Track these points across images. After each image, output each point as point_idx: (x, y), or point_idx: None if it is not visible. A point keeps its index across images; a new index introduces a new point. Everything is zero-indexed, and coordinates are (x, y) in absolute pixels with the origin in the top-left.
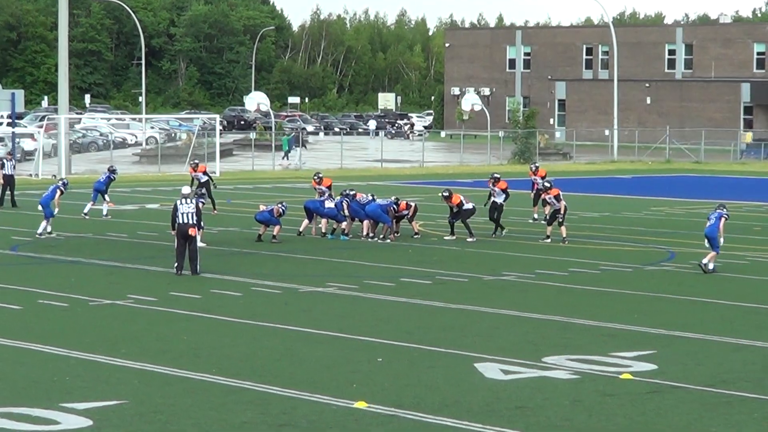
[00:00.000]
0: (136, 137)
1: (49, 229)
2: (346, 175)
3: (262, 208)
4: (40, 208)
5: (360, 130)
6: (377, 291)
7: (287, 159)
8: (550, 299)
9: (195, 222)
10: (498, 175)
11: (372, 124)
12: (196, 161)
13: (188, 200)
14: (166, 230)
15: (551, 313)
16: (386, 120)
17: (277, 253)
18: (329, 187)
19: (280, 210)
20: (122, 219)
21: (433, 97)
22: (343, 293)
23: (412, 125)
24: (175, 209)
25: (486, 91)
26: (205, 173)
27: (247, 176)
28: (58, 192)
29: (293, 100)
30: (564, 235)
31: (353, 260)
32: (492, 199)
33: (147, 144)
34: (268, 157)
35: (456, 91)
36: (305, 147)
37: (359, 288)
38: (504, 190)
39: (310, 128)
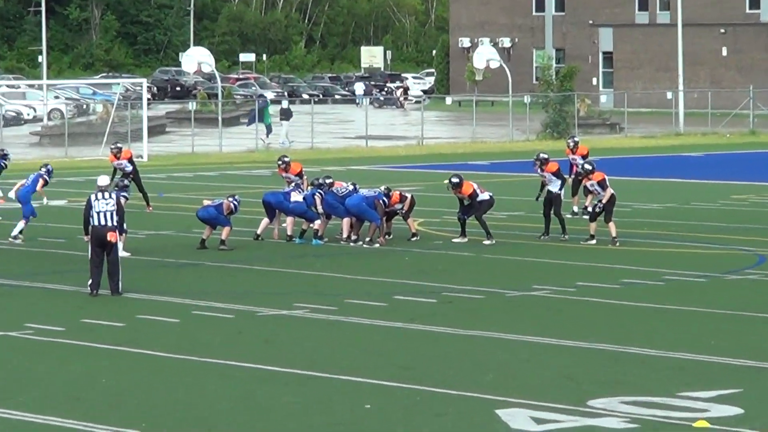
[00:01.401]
0: (35, 111)
1: (18, 230)
2: (318, 157)
3: (206, 203)
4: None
5: (337, 96)
6: (363, 313)
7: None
8: (597, 321)
9: (115, 224)
10: (545, 155)
11: (359, 88)
12: (119, 145)
13: (106, 195)
14: (76, 235)
15: (598, 340)
16: (372, 83)
17: (228, 264)
18: (299, 175)
19: (232, 206)
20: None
21: (434, 52)
22: (316, 317)
23: (406, 90)
24: (89, 207)
25: (506, 42)
26: (130, 161)
27: (185, 161)
28: (41, 181)
29: (247, 57)
30: (613, 235)
31: (330, 272)
32: (546, 188)
33: (50, 119)
34: (213, 134)
35: (465, 42)
36: (287, 118)
37: (338, 309)
38: (557, 174)
39: (269, 95)
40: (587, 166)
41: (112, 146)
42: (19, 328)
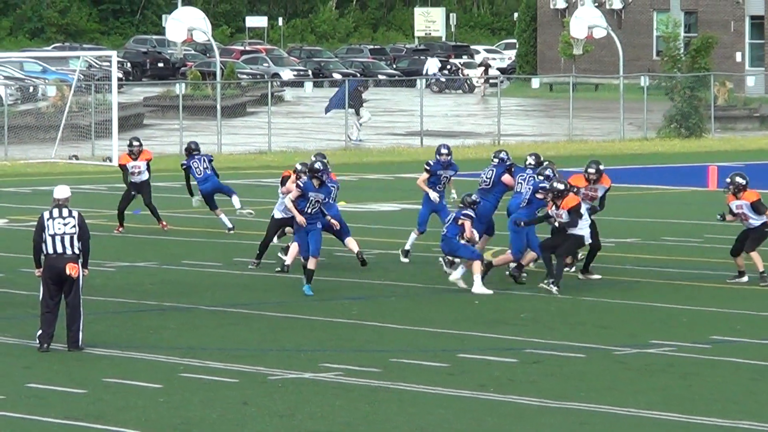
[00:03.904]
0: None
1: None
2: (355, 161)
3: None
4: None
5: (381, 76)
6: (416, 377)
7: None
8: (739, 390)
9: (77, 252)
10: (743, 180)
11: (432, 66)
12: (139, 142)
13: (65, 213)
14: (19, 267)
15: (741, 416)
16: (429, 56)
17: (229, 308)
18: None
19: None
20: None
21: (516, 16)
22: (352, 382)
23: (488, 68)
24: (41, 229)
25: (616, 2)
26: (149, 165)
27: (171, 165)
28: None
29: (256, 22)
30: (761, 269)
31: (371, 320)
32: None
33: None
34: (209, 128)
35: (560, 2)
36: (359, 114)
37: (382, 372)
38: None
39: (286, 74)
40: (739, 180)
41: (134, 143)
42: None
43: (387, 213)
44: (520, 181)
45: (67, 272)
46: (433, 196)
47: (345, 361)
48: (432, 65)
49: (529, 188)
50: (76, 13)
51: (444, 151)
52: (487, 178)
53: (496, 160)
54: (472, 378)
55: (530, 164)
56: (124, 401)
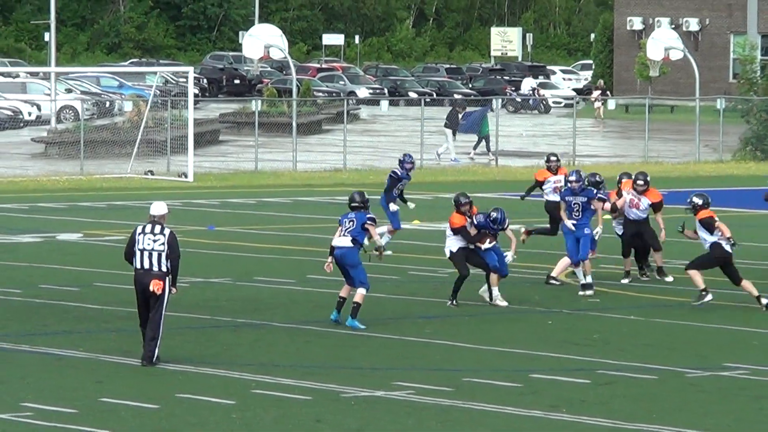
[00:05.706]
0: (39, 109)
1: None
2: (429, 179)
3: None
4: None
5: (457, 96)
6: (488, 397)
7: (481, 148)
8: None
9: (164, 270)
10: None
11: (527, 85)
12: (557, 158)
13: (156, 230)
14: (93, 282)
15: None
16: (504, 77)
17: (302, 325)
18: None
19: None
20: (12, 261)
21: (593, 36)
22: (424, 401)
23: (604, 91)
24: (132, 243)
25: (692, 24)
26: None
27: (246, 182)
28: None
29: (333, 39)
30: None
31: (442, 340)
32: None
33: (59, 122)
34: (284, 145)
35: (637, 23)
36: (456, 135)
37: (455, 391)
38: None
39: (362, 92)
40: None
41: (552, 158)
42: (15, 408)
43: None
44: None
45: (151, 288)
46: (568, 224)
47: (417, 379)
48: (526, 85)
49: None
50: (153, 29)
51: (572, 178)
52: None
53: None
54: (543, 398)
55: None
56: (197, 417)
